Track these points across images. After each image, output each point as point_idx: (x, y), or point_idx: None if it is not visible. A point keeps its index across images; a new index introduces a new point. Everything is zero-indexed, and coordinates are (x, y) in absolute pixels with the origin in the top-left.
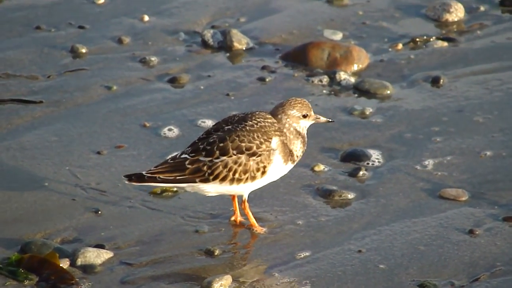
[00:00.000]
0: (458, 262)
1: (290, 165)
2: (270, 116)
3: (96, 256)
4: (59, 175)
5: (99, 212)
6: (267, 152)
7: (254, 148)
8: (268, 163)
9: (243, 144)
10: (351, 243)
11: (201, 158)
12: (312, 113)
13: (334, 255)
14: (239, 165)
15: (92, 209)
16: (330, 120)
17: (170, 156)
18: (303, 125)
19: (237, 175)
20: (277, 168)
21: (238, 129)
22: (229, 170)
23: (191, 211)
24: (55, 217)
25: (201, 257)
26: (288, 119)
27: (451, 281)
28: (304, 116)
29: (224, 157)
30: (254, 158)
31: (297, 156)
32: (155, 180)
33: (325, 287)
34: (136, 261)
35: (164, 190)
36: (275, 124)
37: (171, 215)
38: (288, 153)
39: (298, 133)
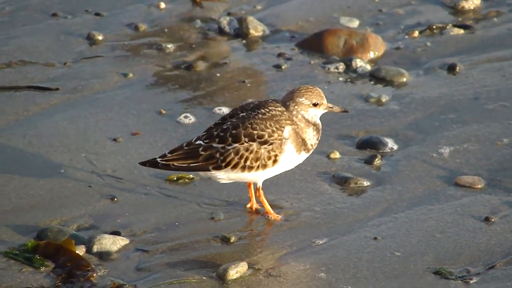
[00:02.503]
0: (474, 250)
1: (304, 154)
2: (279, 105)
3: (112, 243)
4: (75, 162)
5: (115, 199)
6: (279, 141)
7: (266, 136)
8: (280, 152)
9: (255, 132)
10: (367, 230)
11: (214, 145)
12: (325, 102)
13: (350, 242)
14: (251, 152)
15: (108, 196)
16: (345, 110)
17: (185, 142)
18: (313, 114)
19: (248, 163)
20: (290, 157)
21: (251, 116)
22: (241, 157)
23: (207, 198)
24: (71, 204)
25: (217, 244)
26: (296, 107)
27: (466, 269)
28: (315, 105)
29: (236, 144)
30: (265, 146)
31: (311, 145)
32: (169, 167)
33: (341, 274)
34: (152, 248)
35: (180, 177)
36: (285, 113)
37: (187, 202)
38: (301, 143)
39: (308, 121)
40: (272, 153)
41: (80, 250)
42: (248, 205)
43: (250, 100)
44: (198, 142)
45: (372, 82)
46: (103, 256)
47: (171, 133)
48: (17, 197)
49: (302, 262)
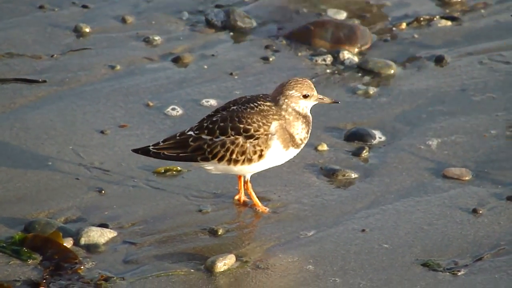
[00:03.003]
0: (462, 242)
1: (293, 150)
2: (269, 99)
3: (99, 236)
4: (62, 155)
5: (103, 192)
6: (265, 136)
7: (252, 130)
8: (266, 148)
9: (242, 126)
10: (355, 223)
11: (203, 136)
12: (315, 93)
13: (337, 234)
14: (236, 146)
15: (95, 188)
16: (335, 101)
17: (179, 132)
18: (303, 105)
19: (234, 156)
20: (277, 153)
21: (240, 110)
22: (226, 150)
23: (195, 191)
24: (58, 197)
25: (205, 236)
26: (286, 100)
27: (454, 260)
28: (305, 96)
29: (223, 137)
30: (251, 140)
31: (301, 139)
32: (159, 156)
33: (329, 266)
34: (140, 241)
35: (168, 169)
36: (273, 108)
37: (174, 195)
38: (289, 138)
39: (298, 113)
40: (258, 148)
41: (68, 243)
42: (236, 197)
43: (238, 92)
44: (189, 132)
45: (360, 74)
46: (91, 248)
47: (159, 125)
48: (4, 190)
49: (290, 254)
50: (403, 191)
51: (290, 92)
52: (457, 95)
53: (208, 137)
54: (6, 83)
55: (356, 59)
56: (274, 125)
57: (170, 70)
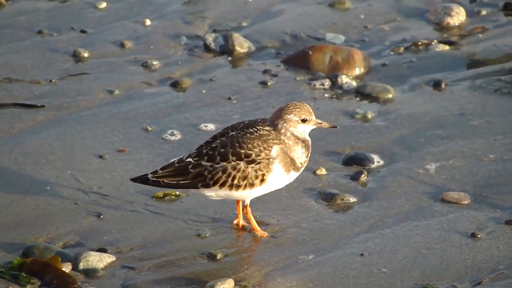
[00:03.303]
0: (461, 266)
1: (293, 174)
2: (267, 124)
3: (98, 260)
4: (61, 179)
5: (101, 216)
6: (266, 161)
7: (253, 155)
8: (267, 172)
9: (243, 151)
10: (354, 247)
11: (203, 163)
12: (313, 117)
13: (336, 258)
14: (238, 171)
15: (94, 213)
16: (333, 125)
17: (177, 159)
18: (302, 130)
19: (235, 181)
20: (278, 177)
21: (240, 135)
22: (228, 176)
23: (193, 215)
24: (57, 221)
25: (203, 261)
26: (285, 124)
27: (453, 285)
28: (304, 121)
29: (224, 163)
30: (253, 165)
31: (301, 163)
32: (158, 184)
33: None
34: (138, 265)
35: (166, 194)
36: (272, 132)
37: (173, 219)
38: (289, 162)
39: (297, 138)
40: (260, 172)
41: (67, 268)
42: (235, 222)
43: (236, 117)
44: (188, 159)
45: (358, 98)
46: (90, 273)
47: (157, 150)
48: (2, 215)
49: (289, 279)
50: (401, 215)
51: (289, 117)
52: (455, 119)
53: (209, 164)
54: (5, 108)
55: (354, 83)
56: (275, 149)
57: (168, 95)
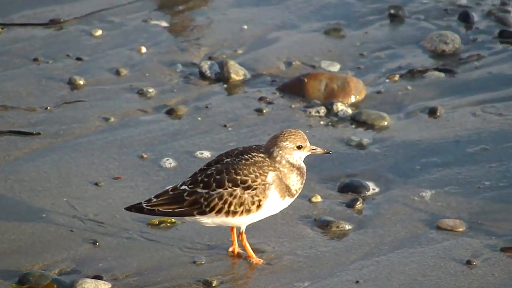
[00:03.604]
0: None
1: (288, 200)
2: (262, 151)
3: None
4: (57, 207)
5: (97, 244)
6: (263, 186)
7: (249, 181)
8: (264, 197)
9: (239, 177)
10: (349, 274)
11: (199, 190)
12: (308, 144)
13: (332, 286)
14: (234, 197)
15: (90, 240)
16: (327, 151)
17: (171, 186)
18: (297, 157)
19: (232, 208)
20: (274, 202)
21: (235, 162)
22: (224, 202)
23: (189, 242)
24: (53, 248)
25: None
26: (280, 152)
27: None
28: (299, 147)
29: (220, 190)
30: (249, 191)
31: (296, 190)
32: (154, 213)
33: None
34: None
35: (162, 221)
36: (267, 159)
37: (169, 246)
38: (285, 189)
39: (292, 165)
40: (256, 198)
41: None
42: (230, 249)
43: (232, 144)
44: (183, 187)
45: (354, 126)
46: None
47: (153, 177)
48: None
49: None
50: (397, 243)
51: (284, 144)
52: (450, 146)
53: (204, 191)
54: (0, 135)
55: (349, 110)
56: (271, 175)
57: (164, 122)
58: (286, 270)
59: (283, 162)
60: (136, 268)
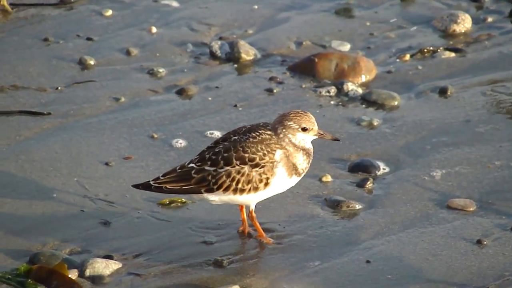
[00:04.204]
0: (466, 272)
1: (295, 178)
2: (269, 129)
3: (104, 267)
4: (67, 186)
5: (108, 223)
6: (270, 164)
7: (257, 159)
8: (271, 175)
9: (247, 155)
10: (359, 254)
11: (206, 168)
12: (315, 128)
13: (342, 265)
14: (242, 175)
15: (100, 220)
16: (335, 138)
17: (179, 165)
18: (301, 138)
19: (240, 185)
20: (281, 180)
21: (243, 140)
22: (232, 180)
23: (199, 222)
24: (63, 228)
25: (209, 267)
26: (284, 130)
27: None
28: (304, 129)
29: (228, 167)
30: (257, 169)
31: (302, 169)
32: (161, 190)
33: None
34: (145, 272)
35: (172, 201)
36: (274, 137)
37: (179, 226)
38: (292, 167)
39: (295, 145)
40: (264, 176)
41: (73, 274)
42: (241, 229)
43: (242, 124)
44: (190, 165)
45: (364, 106)
46: (96, 280)
47: (163, 157)
48: (9, 222)
49: (295, 285)
50: (407, 222)
51: (289, 123)
52: (461, 126)
53: (212, 168)
54: (11, 116)
55: (360, 90)
56: (279, 153)
57: (174, 102)
58: (296, 249)
59: (286, 140)
60: (146, 248)
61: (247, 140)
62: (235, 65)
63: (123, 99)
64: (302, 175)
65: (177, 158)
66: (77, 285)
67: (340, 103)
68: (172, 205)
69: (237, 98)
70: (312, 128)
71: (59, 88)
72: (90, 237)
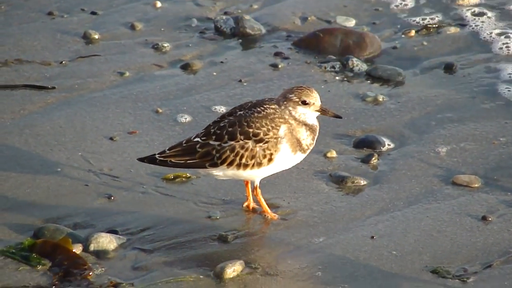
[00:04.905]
0: (471, 249)
1: (300, 155)
2: (274, 103)
3: (109, 242)
4: (71, 161)
5: (112, 198)
6: (274, 140)
7: (261, 134)
8: (275, 151)
9: (251, 130)
10: (364, 229)
11: (211, 142)
12: (317, 103)
13: (347, 241)
14: (246, 150)
15: (105, 194)
16: (337, 115)
17: (185, 139)
18: (301, 112)
19: (243, 160)
20: (285, 156)
21: (248, 115)
22: (236, 155)
23: (204, 197)
24: (68, 203)
25: (214, 242)
26: (285, 103)
27: (464, 268)
28: (304, 103)
29: (232, 142)
30: (261, 144)
31: (307, 145)
32: (166, 164)
33: (338, 273)
34: (149, 247)
35: (177, 176)
36: (278, 111)
37: (184, 201)
38: (296, 143)
39: (295, 119)
40: (268, 152)
41: (77, 249)
42: (245, 204)
43: (247, 99)
44: (196, 139)
45: (369, 81)
46: (100, 254)
47: (168, 132)
48: (13, 196)
49: (299, 261)
50: (412, 198)
51: (290, 96)
52: (466, 102)
53: (217, 143)
54: (15, 90)
55: (365, 66)
56: (283, 129)
57: (179, 77)
58: (301, 225)
59: (287, 112)
60: (151, 223)
61: (252, 115)
62: (240, 40)
63: (127, 74)
64: (307, 151)
65: (181, 133)
66: (82, 259)
67: (345, 79)
68: (177, 180)
69: (242, 73)
70: (314, 103)
71: (63, 62)
72: (94, 211)
